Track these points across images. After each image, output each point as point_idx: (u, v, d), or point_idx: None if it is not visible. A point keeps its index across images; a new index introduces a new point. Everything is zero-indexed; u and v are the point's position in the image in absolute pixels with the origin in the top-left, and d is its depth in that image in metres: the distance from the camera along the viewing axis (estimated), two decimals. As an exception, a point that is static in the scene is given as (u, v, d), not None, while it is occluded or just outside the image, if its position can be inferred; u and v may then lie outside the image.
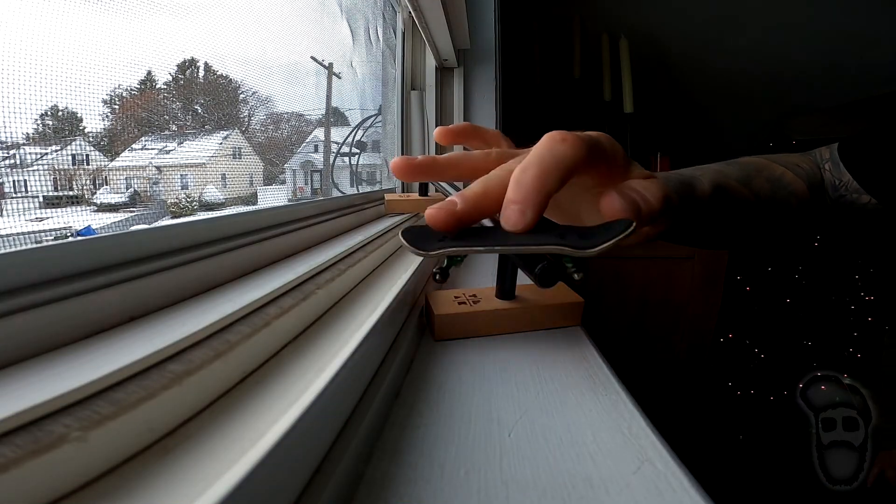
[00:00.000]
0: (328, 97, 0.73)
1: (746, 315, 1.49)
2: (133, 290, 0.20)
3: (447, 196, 0.52)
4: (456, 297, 0.35)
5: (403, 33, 0.99)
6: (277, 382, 0.20)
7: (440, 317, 0.33)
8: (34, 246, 0.17)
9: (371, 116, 0.97)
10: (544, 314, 0.35)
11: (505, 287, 0.35)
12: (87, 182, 0.37)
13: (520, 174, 0.22)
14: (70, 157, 0.35)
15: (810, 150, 0.47)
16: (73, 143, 0.34)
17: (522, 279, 0.35)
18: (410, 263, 0.38)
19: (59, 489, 0.12)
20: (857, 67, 1.70)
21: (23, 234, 0.32)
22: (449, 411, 0.23)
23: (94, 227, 0.37)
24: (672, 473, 0.18)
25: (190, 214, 0.46)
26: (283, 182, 0.64)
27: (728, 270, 1.41)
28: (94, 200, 0.38)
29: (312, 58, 0.65)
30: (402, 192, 0.92)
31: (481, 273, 0.54)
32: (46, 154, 0.33)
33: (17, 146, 0.30)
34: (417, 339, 0.32)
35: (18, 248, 0.16)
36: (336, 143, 0.83)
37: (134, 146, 0.41)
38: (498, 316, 0.34)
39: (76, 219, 0.36)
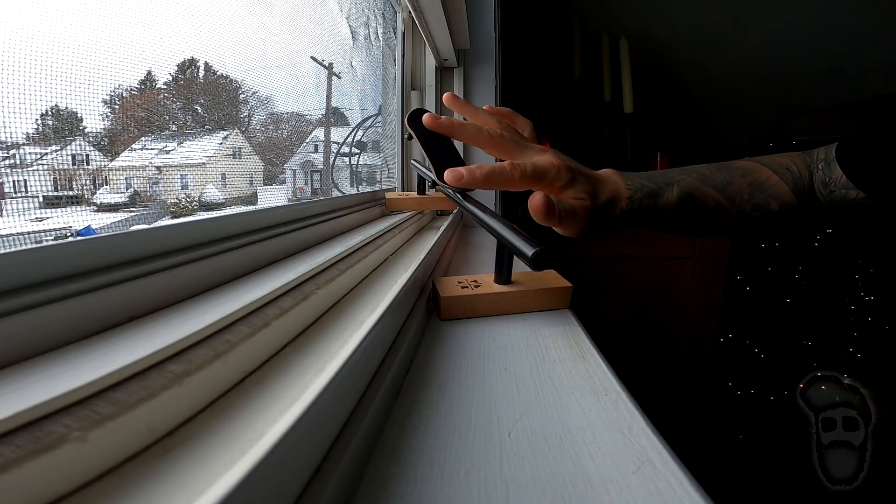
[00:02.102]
0: (328, 97, 0.73)
1: (746, 315, 1.48)
2: (133, 290, 0.20)
3: (448, 195, 0.58)
4: (459, 283, 0.39)
5: (403, 33, 0.98)
6: (277, 382, 0.20)
7: (445, 299, 0.37)
8: (34, 246, 0.17)
9: (371, 116, 0.97)
10: (537, 297, 0.39)
11: (502, 273, 0.39)
12: (87, 182, 0.37)
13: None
14: (70, 157, 0.35)
15: (810, 150, 0.50)
16: (73, 143, 0.34)
17: (518, 267, 0.39)
18: (411, 262, 0.38)
19: (59, 489, 0.12)
20: (857, 67, 1.70)
21: (23, 234, 0.32)
22: (449, 411, 0.23)
23: (94, 227, 0.37)
24: (672, 473, 0.18)
25: (190, 214, 0.46)
26: (283, 182, 0.64)
27: (728, 270, 1.41)
28: (94, 200, 0.38)
29: (312, 58, 0.65)
30: (402, 191, 0.92)
31: (482, 262, 0.62)
32: (46, 154, 0.33)
33: (17, 146, 0.30)
34: (424, 323, 0.36)
35: (18, 248, 0.16)
36: (336, 143, 0.83)
37: (134, 146, 0.41)
38: (496, 298, 0.38)
39: (76, 219, 0.36)
